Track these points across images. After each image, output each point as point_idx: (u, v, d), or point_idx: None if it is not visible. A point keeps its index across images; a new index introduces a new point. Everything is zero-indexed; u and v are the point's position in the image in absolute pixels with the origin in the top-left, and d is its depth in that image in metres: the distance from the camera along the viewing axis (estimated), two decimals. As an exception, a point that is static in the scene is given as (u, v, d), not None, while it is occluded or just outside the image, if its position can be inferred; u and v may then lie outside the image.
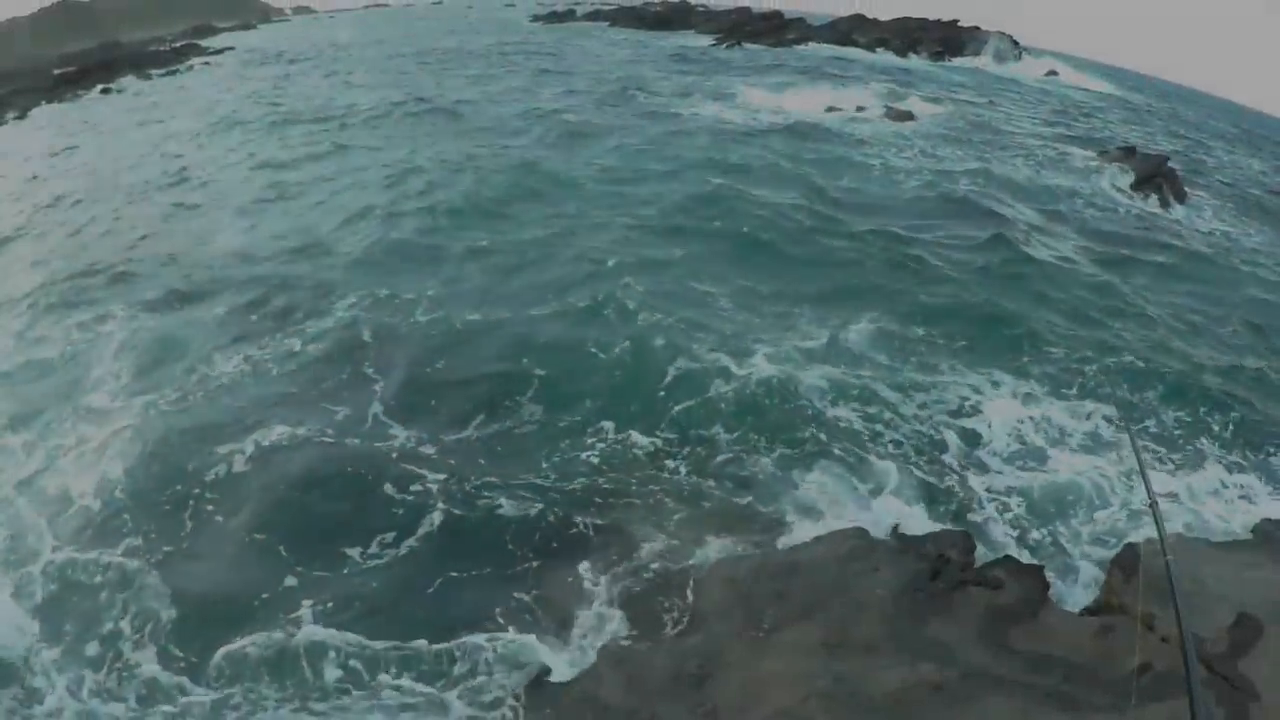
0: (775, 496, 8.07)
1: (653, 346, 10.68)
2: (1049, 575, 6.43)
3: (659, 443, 8.97)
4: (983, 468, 8.90)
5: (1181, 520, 8.04)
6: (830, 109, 30.90)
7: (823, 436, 9.07)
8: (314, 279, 13.26)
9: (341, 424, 9.21)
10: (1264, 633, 5.36)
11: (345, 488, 8.15)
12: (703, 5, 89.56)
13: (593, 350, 10.64)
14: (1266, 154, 39.87)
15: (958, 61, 60.68)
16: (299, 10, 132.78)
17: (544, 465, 8.55)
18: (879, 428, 9.34)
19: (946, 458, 9.01)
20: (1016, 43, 68.77)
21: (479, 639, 6.33)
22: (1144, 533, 7.44)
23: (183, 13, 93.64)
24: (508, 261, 13.92)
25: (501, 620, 6.57)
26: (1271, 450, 9.68)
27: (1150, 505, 4.40)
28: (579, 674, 5.97)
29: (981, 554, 6.86)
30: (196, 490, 8.16)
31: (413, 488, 8.09)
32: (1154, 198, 21.77)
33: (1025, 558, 7.17)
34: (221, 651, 6.23)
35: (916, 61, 56.86)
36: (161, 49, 58.77)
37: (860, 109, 31.17)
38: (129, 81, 43.62)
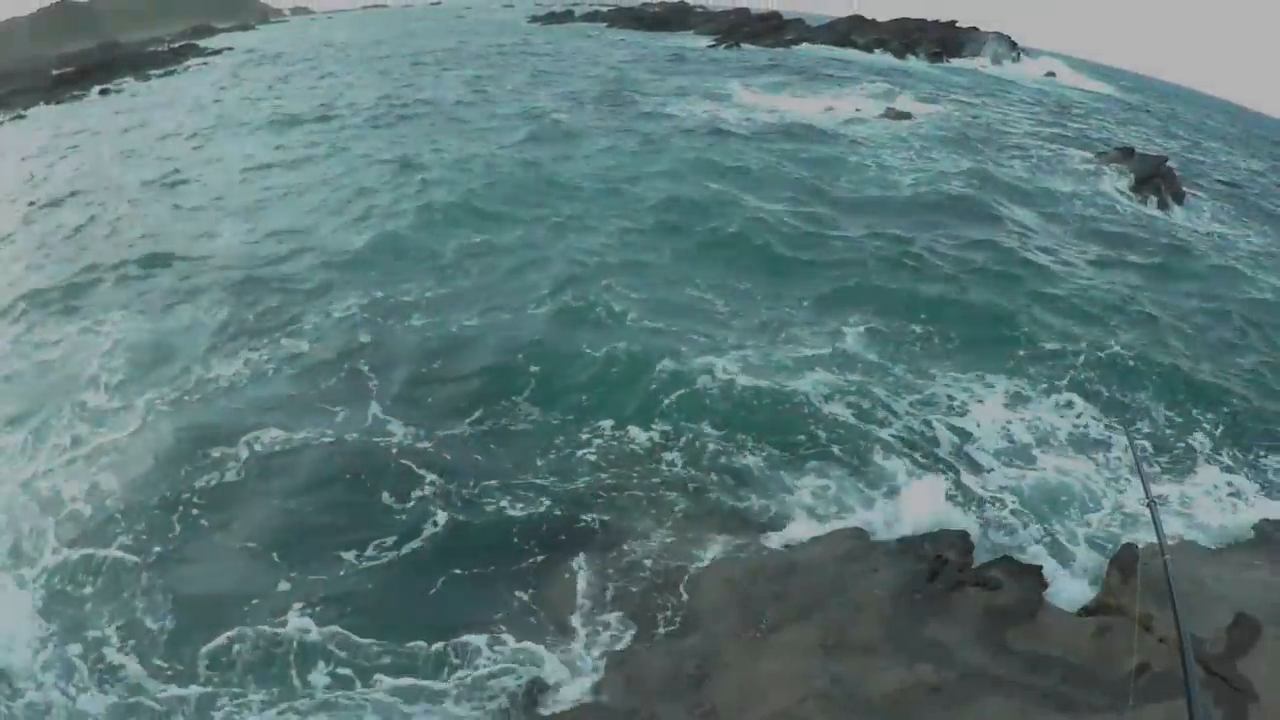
0: (773, 496, 8.07)
1: (646, 347, 10.68)
2: (1046, 575, 6.43)
3: (655, 436, 8.99)
4: (980, 467, 8.90)
5: (1178, 520, 8.04)
6: (827, 110, 30.90)
7: (821, 436, 9.07)
8: (312, 279, 13.28)
9: (340, 424, 9.21)
10: (1262, 633, 5.36)
11: (343, 487, 8.16)
12: (701, 6, 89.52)
13: (587, 350, 10.65)
14: (1265, 154, 39.88)
15: (956, 62, 60.64)
16: (297, 11, 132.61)
17: (540, 464, 8.56)
18: (875, 427, 9.33)
19: (945, 457, 9.01)
20: (1014, 43, 68.75)
21: (477, 639, 6.32)
22: (1141, 533, 7.45)
23: (181, 13, 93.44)
24: (504, 261, 13.94)
25: (499, 620, 6.57)
26: (1263, 451, 9.68)
27: (1148, 505, 4.40)
28: (577, 675, 5.96)
29: (980, 554, 6.85)
30: (195, 490, 8.15)
31: (411, 489, 8.08)
32: (1152, 198, 21.75)
33: (1024, 558, 7.15)
34: (213, 651, 6.22)
35: (914, 62, 56.84)
36: (160, 50, 58.67)
37: (858, 110, 31.14)
38: (128, 82, 43.61)
